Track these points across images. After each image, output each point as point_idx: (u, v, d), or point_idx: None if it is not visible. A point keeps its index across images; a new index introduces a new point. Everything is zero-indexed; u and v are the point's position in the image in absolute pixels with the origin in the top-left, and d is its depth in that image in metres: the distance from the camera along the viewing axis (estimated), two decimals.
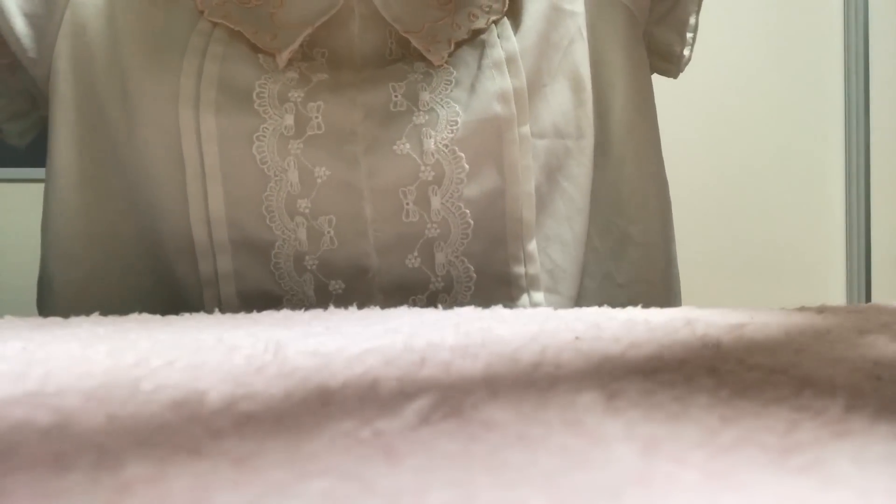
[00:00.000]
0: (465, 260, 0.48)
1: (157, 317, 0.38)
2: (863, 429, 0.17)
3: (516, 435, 0.17)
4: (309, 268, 0.47)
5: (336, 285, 0.47)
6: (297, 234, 0.46)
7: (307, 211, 0.46)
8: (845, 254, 1.40)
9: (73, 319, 0.37)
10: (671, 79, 0.61)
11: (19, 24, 0.49)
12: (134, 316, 0.38)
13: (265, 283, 0.47)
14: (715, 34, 1.36)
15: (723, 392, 0.21)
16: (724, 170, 1.36)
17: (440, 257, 0.47)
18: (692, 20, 0.57)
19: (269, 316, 0.37)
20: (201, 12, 0.48)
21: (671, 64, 0.59)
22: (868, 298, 1.38)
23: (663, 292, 0.56)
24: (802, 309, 0.39)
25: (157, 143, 0.47)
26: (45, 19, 0.49)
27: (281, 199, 0.46)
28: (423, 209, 0.47)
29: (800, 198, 1.40)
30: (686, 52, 0.58)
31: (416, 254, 0.47)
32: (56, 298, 0.49)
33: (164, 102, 0.46)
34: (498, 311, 0.38)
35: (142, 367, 0.24)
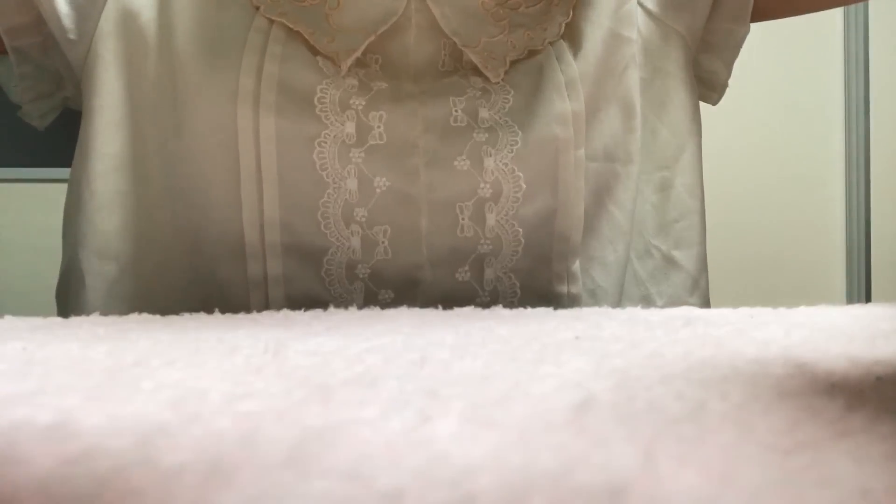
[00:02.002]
0: (512, 276, 0.48)
1: (157, 317, 0.37)
2: (863, 428, 0.17)
3: (516, 434, 0.17)
4: (360, 276, 0.47)
5: (385, 295, 0.47)
6: (351, 243, 0.46)
7: (363, 220, 0.46)
8: (845, 254, 1.40)
9: (74, 319, 0.37)
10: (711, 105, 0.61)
11: (62, 4, 0.48)
12: (134, 316, 0.38)
13: (315, 288, 0.47)
14: None
15: (723, 391, 0.21)
16: (724, 170, 1.36)
17: (489, 273, 0.48)
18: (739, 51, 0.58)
19: (269, 316, 0.37)
20: (256, 8, 0.47)
21: (714, 92, 0.60)
22: (868, 298, 1.38)
23: None
24: (802, 309, 0.39)
25: (211, 140, 0.46)
26: (88, 1, 0.49)
27: (338, 207, 0.46)
28: (478, 225, 0.47)
29: (800, 198, 1.40)
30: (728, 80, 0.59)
31: (466, 268, 0.48)
32: (88, 295, 0.48)
33: (220, 100, 0.46)
34: (498, 310, 0.38)
35: (142, 367, 0.24)
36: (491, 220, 0.47)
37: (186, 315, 0.38)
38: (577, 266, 0.50)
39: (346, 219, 0.46)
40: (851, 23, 1.38)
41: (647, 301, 0.54)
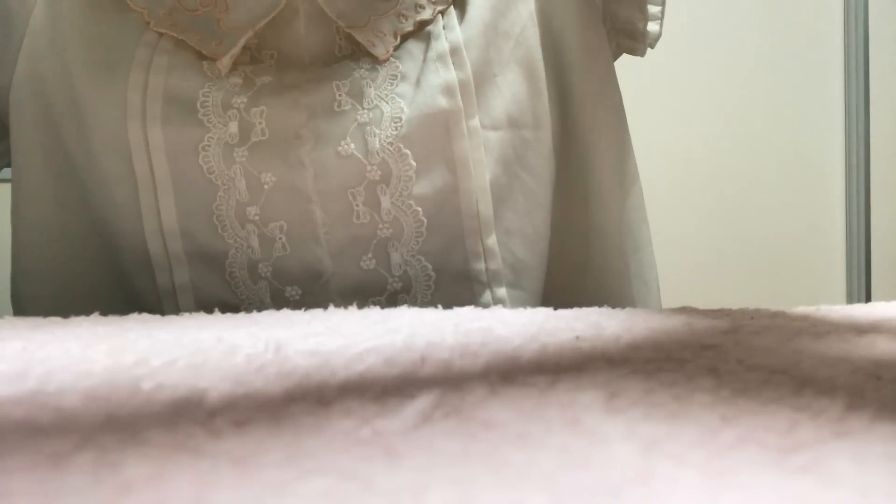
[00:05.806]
0: (422, 259, 0.47)
1: (157, 317, 0.38)
2: (863, 429, 0.17)
3: (516, 434, 0.17)
4: (263, 275, 0.46)
5: (292, 291, 0.47)
6: (250, 242, 0.46)
7: (257, 218, 0.46)
8: (845, 254, 1.40)
9: (74, 319, 0.37)
10: (639, 57, 0.58)
11: None
12: (134, 316, 0.38)
13: (222, 292, 0.47)
14: (715, 34, 1.36)
15: (723, 392, 0.21)
16: (723, 169, 1.36)
17: (395, 257, 0.47)
18: None
19: (269, 315, 0.37)
20: (147, 23, 0.47)
21: (636, 41, 0.57)
22: (868, 298, 1.38)
23: (632, 282, 0.55)
24: (801, 309, 0.39)
25: (109, 158, 0.47)
26: (2, 48, 0.49)
27: (231, 208, 0.46)
28: (374, 210, 0.46)
29: (800, 198, 1.40)
30: (652, 27, 0.55)
31: (370, 255, 0.47)
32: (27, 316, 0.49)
33: (113, 118, 0.46)
34: (498, 311, 0.38)
35: (142, 367, 0.24)
36: (386, 202, 0.46)
37: (186, 315, 0.38)
38: (493, 241, 0.48)
39: (240, 219, 0.46)
40: (851, 23, 1.38)
41: (576, 270, 0.53)
